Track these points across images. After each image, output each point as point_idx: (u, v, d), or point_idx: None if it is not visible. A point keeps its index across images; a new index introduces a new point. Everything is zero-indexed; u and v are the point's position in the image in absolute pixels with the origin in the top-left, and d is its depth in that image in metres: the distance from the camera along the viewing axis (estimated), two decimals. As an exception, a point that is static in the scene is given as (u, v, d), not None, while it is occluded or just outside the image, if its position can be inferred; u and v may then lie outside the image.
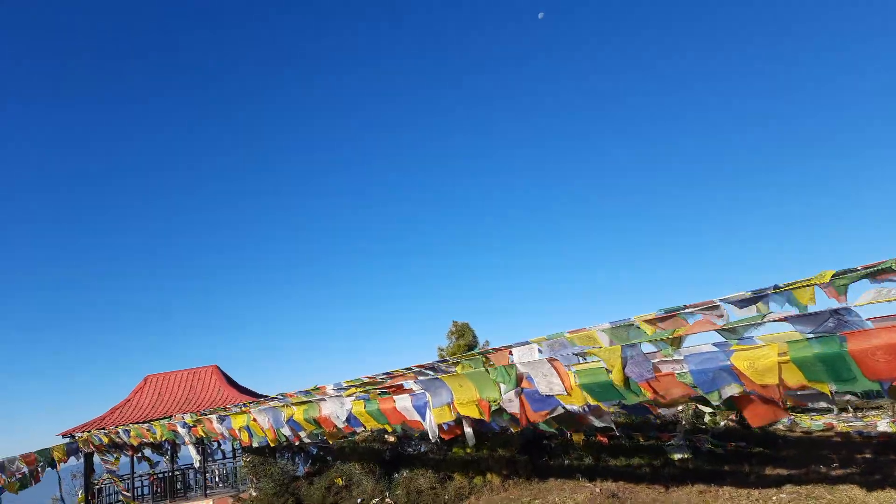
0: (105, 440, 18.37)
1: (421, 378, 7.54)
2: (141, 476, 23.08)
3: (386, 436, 19.22)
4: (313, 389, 9.88)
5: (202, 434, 12.97)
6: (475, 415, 6.75)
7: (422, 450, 19.61)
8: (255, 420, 10.66)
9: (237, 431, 11.54)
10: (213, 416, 12.20)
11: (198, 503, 20.12)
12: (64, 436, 21.01)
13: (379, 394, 8.30)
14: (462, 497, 15.54)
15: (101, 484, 22.08)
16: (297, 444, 18.64)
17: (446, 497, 15.58)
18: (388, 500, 16.39)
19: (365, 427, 8.68)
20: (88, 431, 20.04)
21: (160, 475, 22.21)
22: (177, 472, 22.74)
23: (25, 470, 18.60)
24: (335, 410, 8.76)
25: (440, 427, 10.98)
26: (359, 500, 16.91)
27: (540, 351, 7.13)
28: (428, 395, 7.20)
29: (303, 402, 9.61)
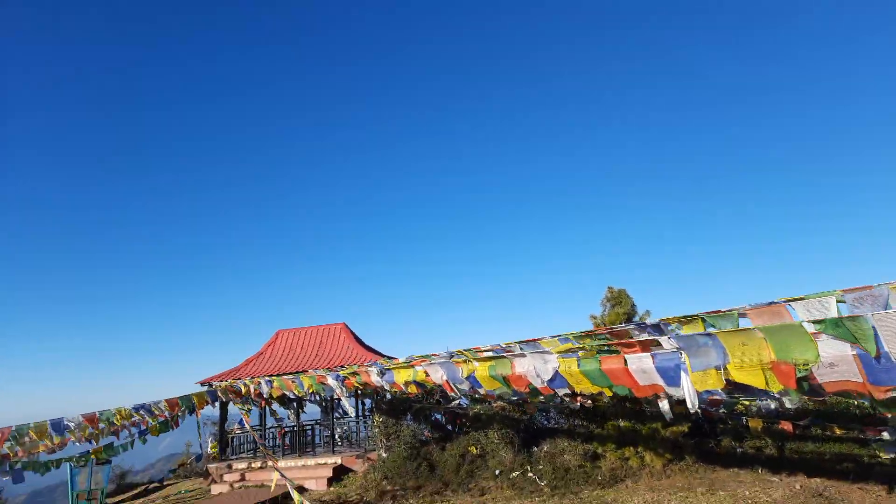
0: (244, 390, 18.51)
1: (677, 334, 6.16)
2: (270, 429, 23.51)
3: (526, 405, 18.12)
4: (506, 345, 8.80)
5: (357, 386, 12.34)
6: (758, 383, 5.29)
7: (560, 423, 18.38)
8: (426, 374, 9.77)
9: (402, 385, 10.73)
10: (373, 369, 11.48)
11: (325, 459, 20.02)
12: (202, 384, 21.58)
13: (599, 352, 7.02)
14: (617, 479, 14.14)
15: (235, 434, 22.63)
16: (439, 402, 17.90)
17: (599, 477, 14.24)
18: (530, 474, 15.30)
19: (573, 389, 7.46)
20: (226, 381, 20.38)
21: (289, 429, 22.45)
22: (306, 427, 22.93)
23: (167, 414, 19.15)
24: (535, 368, 7.60)
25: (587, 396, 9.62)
26: (497, 472, 15.95)
27: (841, 303, 5.54)
28: (684, 354, 5.83)
29: (489, 358, 8.56)
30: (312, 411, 26.69)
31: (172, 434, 21.64)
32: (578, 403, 16.23)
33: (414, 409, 19.11)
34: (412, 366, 10.47)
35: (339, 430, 23.94)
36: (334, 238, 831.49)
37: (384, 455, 18.50)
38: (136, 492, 22.37)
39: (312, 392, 14.58)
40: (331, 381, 13.36)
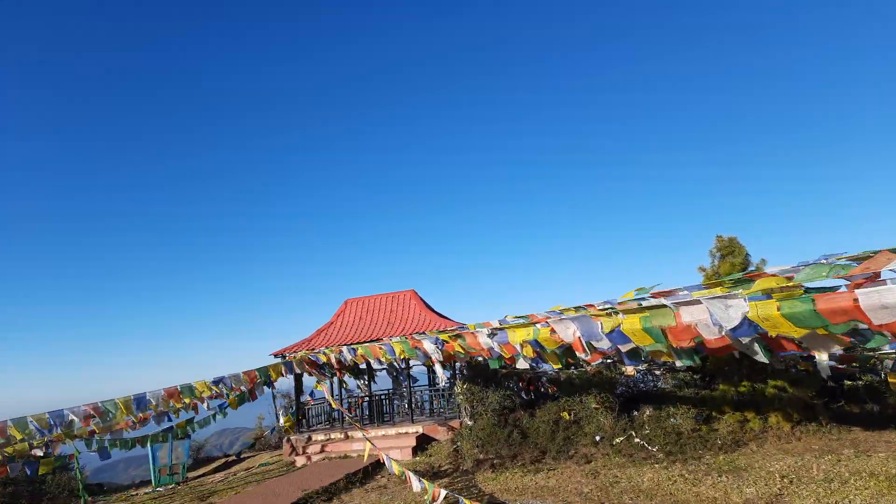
0: (323, 359, 17.91)
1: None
2: (344, 400, 23.08)
3: (623, 367, 17.02)
4: (660, 293, 7.65)
5: (459, 350, 11.43)
6: None
7: (660, 385, 17.24)
8: (553, 331, 8.75)
9: (517, 346, 9.75)
10: (483, 330, 10.54)
11: (406, 428, 19.40)
12: (275, 355, 21.15)
13: (808, 290, 5.84)
14: (738, 443, 12.97)
15: (310, 405, 22.24)
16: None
17: (718, 441, 13.09)
18: (636, 439, 14.25)
19: (767, 333, 6.30)
20: (302, 351, 19.84)
21: (367, 399, 21.93)
22: (382, 397, 22.39)
23: (244, 387, 18.73)
24: (711, 315, 6.47)
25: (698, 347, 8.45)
26: (597, 438, 14.96)
27: None
28: None
29: (640, 310, 7.46)
30: (382, 383, 26.21)
31: (244, 408, 21.34)
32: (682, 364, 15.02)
33: (500, 374, 18.23)
34: (533, 323, 9.44)
35: (406, 399, 23.35)
36: (397, 207, 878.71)
37: (469, 423, 17.73)
38: (215, 465, 22.29)
39: (403, 358, 13.77)
40: (427, 345, 12.48)
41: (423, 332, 13.95)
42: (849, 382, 14.22)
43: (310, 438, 20.09)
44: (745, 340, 6.59)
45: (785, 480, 9.86)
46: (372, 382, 24.91)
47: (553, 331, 8.85)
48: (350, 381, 25.22)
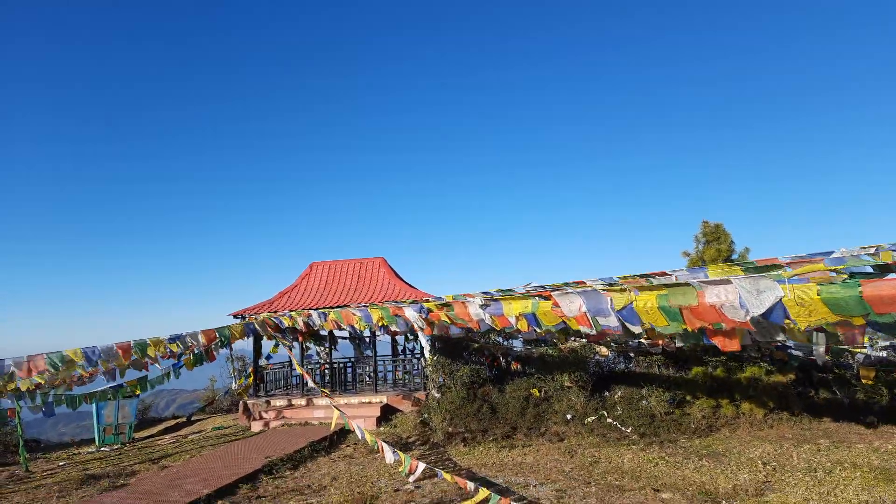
0: (288, 322, 17.16)
1: None
2: (304, 366, 22.36)
3: (598, 347, 16.94)
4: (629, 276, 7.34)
5: (444, 320, 10.95)
6: None
7: (632, 367, 17.27)
8: (556, 305, 8.35)
9: (511, 319, 9.34)
10: (473, 300, 10.06)
11: (369, 398, 18.93)
12: (234, 316, 20.25)
13: (853, 275, 5.58)
14: (711, 428, 13.06)
15: (269, 369, 21.46)
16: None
17: (692, 426, 13.15)
18: (608, 419, 14.21)
19: (793, 325, 6.05)
20: (265, 313, 19.01)
21: (329, 366, 21.31)
22: (344, 365, 21.81)
23: (200, 348, 17.85)
24: (741, 296, 6.17)
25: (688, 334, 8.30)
26: (568, 416, 14.87)
27: None
28: None
29: (658, 287, 7.11)
30: (342, 350, 25.61)
31: (197, 370, 20.38)
32: (660, 346, 15.04)
33: (471, 348, 17.91)
34: (534, 296, 9.02)
35: (368, 368, 22.88)
36: (362, 171, 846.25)
37: (437, 395, 17.40)
38: (163, 427, 21.32)
39: (382, 325, 13.21)
40: (409, 313, 11.95)
41: (405, 301, 13.39)
42: (820, 374, 14.54)
43: (268, 403, 19.38)
44: (777, 326, 6.32)
45: (768, 468, 9.89)
46: (333, 350, 24.29)
47: (556, 304, 8.46)
48: (310, 348, 24.50)
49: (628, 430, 13.36)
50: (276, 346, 23.28)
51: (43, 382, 15.61)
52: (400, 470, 11.26)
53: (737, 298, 6.33)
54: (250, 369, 25.53)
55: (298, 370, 16.94)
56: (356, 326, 14.28)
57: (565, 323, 8.83)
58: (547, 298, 8.85)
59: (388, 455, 12.01)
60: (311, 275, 22.02)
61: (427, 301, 11.59)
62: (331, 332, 24.26)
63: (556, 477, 10.17)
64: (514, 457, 12.11)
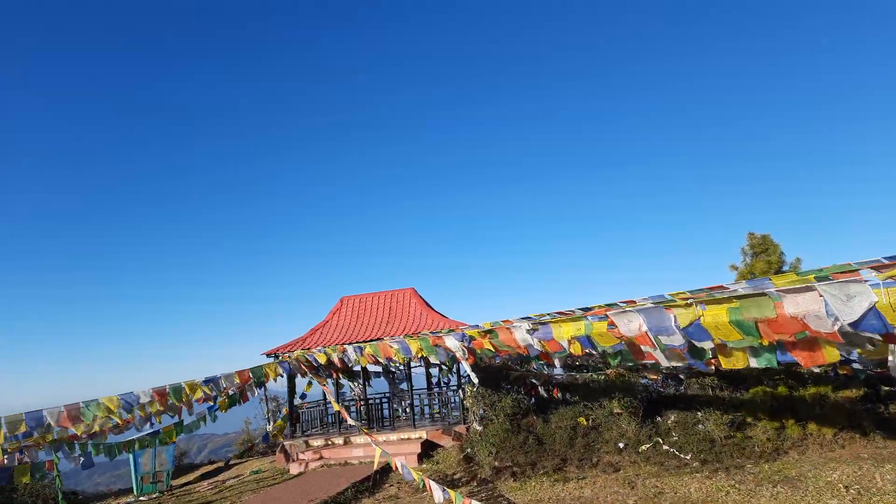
0: (322, 359, 16.79)
1: None
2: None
3: (645, 371, 16.24)
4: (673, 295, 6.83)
5: (488, 348, 10.47)
6: None
7: (682, 390, 16.49)
8: (613, 325, 7.85)
9: (563, 343, 8.84)
10: (520, 325, 9.60)
11: (408, 434, 18.36)
12: (268, 355, 19.94)
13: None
14: (778, 451, 12.25)
15: (304, 408, 21.04)
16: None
17: (756, 449, 12.35)
18: (664, 446, 13.45)
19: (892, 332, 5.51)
20: (298, 350, 18.68)
21: (364, 402, 20.83)
22: (378, 401, 21.32)
23: (234, 389, 17.55)
24: (828, 305, 5.64)
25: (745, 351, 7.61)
26: (620, 445, 14.13)
27: None
28: None
29: (727, 300, 6.60)
30: (375, 386, 25.10)
31: (231, 411, 20.00)
32: (713, 367, 14.32)
33: (511, 377, 17.32)
34: (581, 317, 8.53)
35: (405, 402, 22.33)
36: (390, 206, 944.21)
37: (478, 428, 16.77)
38: (199, 473, 20.93)
39: (422, 357, 12.76)
40: (451, 342, 11.49)
41: (443, 330, 12.95)
42: (886, 388, 13.67)
43: (306, 444, 18.91)
44: (866, 335, 5.76)
45: (851, 492, 9.13)
46: (367, 386, 23.81)
47: (612, 324, 7.96)
48: (343, 385, 24.06)
49: (688, 457, 12.61)
50: (310, 384, 22.89)
51: (79, 433, 15.39)
52: (451, 509, 10.69)
53: (822, 307, 5.81)
54: (284, 409, 25.21)
55: (336, 408, 16.48)
56: (394, 359, 13.85)
57: (623, 344, 8.32)
58: (601, 319, 8.37)
59: (437, 494, 11.43)
60: (341, 309, 21.72)
61: (468, 329, 11.13)
62: (364, 368, 23.82)
63: (620, 511, 9.51)
64: (570, 490, 11.44)
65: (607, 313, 8.03)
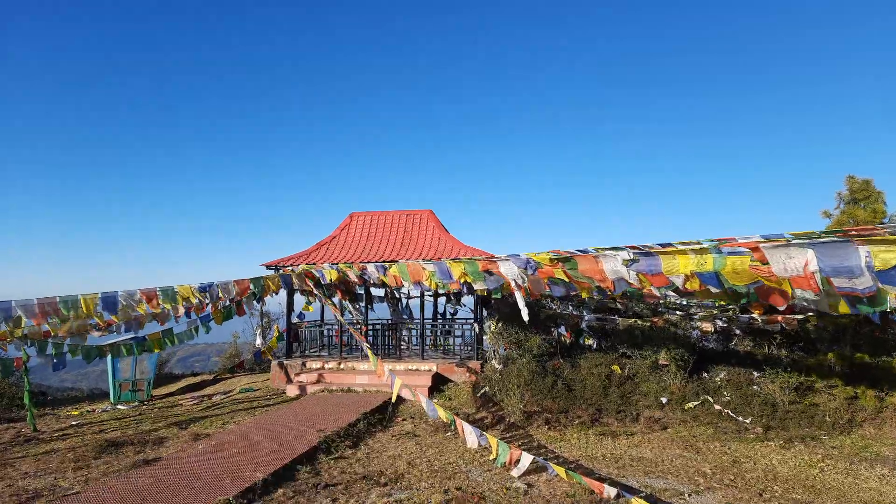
0: (333, 276, 14.99)
1: None
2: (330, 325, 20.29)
3: (700, 322, 14.76)
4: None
5: (562, 278, 8.73)
6: None
7: (732, 346, 15.10)
8: (762, 262, 6.13)
9: (675, 279, 7.12)
10: (616, 254, 7.85)
11: (417, 365, 16.89)
12: (267, 267, 18.08)
13: None
14: (851, 423, 10.94)
15: (304, 328, 19.42)
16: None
17: (825, 418, 11.03)
18: (716, 406, 12.10)
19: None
20: (300, 265, 16.85)
21: (375, 327, 19.29)
22: (383, 328, 19.76)
23: (232, 300, 15.76)
24: None
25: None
26: (663, 400, 12.78)
27: None
28: None
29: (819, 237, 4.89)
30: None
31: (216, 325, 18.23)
32: (780, 323, 12.86)
33: (543, 316, 15.76)
34: (720, 249, 6.75)
35: (415, 331, 20.84)
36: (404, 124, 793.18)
37: (497, 367, 15.33)
38: (183, 384, 19.39)
39: (466, 283, 11.00)
40: (507, 268, 9.71)
41: (502, 256, 11.15)
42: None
43: (303, 365, 17.36)
44: None
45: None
46: (370, 310, 22.22)
47: (763, 261, 6.20)
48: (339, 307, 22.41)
49: (747, 422, 11.26)
50: (309, 303, 21.20)
51: (54, 332, 13.54)
52: (492, 459, 9.21)
53: None
54: (275, 326, 23.60)
55: (351, 331, 14.79)
56: (425, 284, 12.10)
57: (762, 283, 6.60)
58: (735, 253, 6.59)
59: (471, 438, 9.94)
60: (351, 225, 19.78)
61: (534, 254, 9.32)
62: (367, 291, 22.16)
63: (702, 481, 8.08)
64: (624, 448, 10.03)
65: (759, 245, 6.25)
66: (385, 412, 13.45)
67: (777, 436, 10.45)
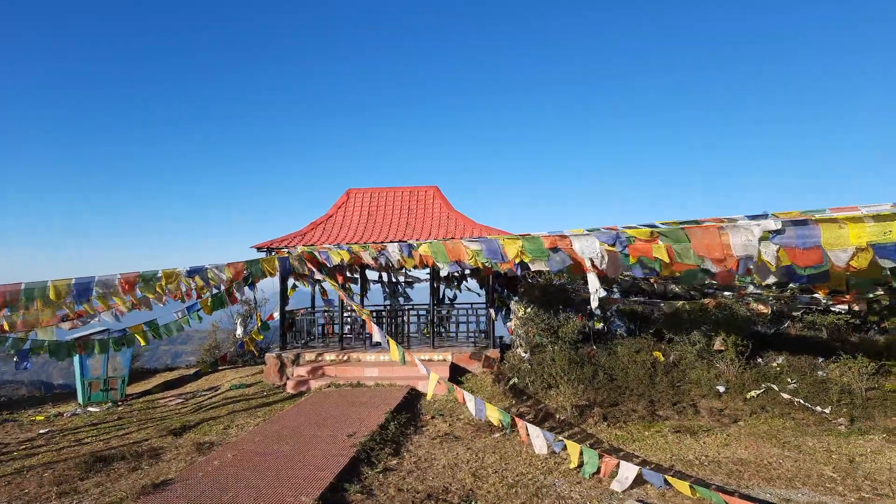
0: (343, 258, 13.24)
1: None
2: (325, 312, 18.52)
3: (755, 304, 13.64)
4: None
5: (660, 257, 7.28)
6: None
7: (782, 327, 14.06)
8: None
9: (839, 254, 5.79)
10: (749, 224, 6.46)
11: (429, 355, 15.36)
12: (258, 249, 16.14)
13: None
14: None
15: (301, 315, 17.57)
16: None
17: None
18: (783, 395, 11.02)
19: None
20: (301, 246, 15.02)
21: (381, 312, 17.59)
22: (381, 314, 18.10)
23: (225, 285, 13.89)
24: None
25: None
26: (720, 389, 11.64)
27: None
28: None
29: None
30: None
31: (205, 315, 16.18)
32: (847, 305, 11.86)
33: (579, 298, 14.40)
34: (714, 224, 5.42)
35: (421, 317, 19.25)
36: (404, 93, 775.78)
37: (524, 356, 13.94)
38: (160, 381, 17.27)
39: (521, 263, 9.44)
40: (583, 245, 8.20)
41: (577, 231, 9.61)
42: None
43: (300, 357, 15.58)
44: None
45: None
46: (364, 297, 20.51)
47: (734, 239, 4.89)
48: (330, 293, 20.58)
49: (826, 411, 10.19)
50: (294, 287, 19.30)
51: (7, 327, 11.37)
52: (572, 468, 7.80)
53: None
54: (257, 315, 21.58)
55: (364, 318, 13.04)
56: (467, 263, 10.52)
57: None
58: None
59: (539, 443, 8.52)
60: (348, 203, 17.94)
61: (628, 228, 7.85)
62: (363, 275, 20.43)
63: (842, 490, 6.86)
64: (714, 448, 8.77)
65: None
66: (412, 410, 11.91)
67: (871, 429, 9.40)
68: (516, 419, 9.00)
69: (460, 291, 21.35)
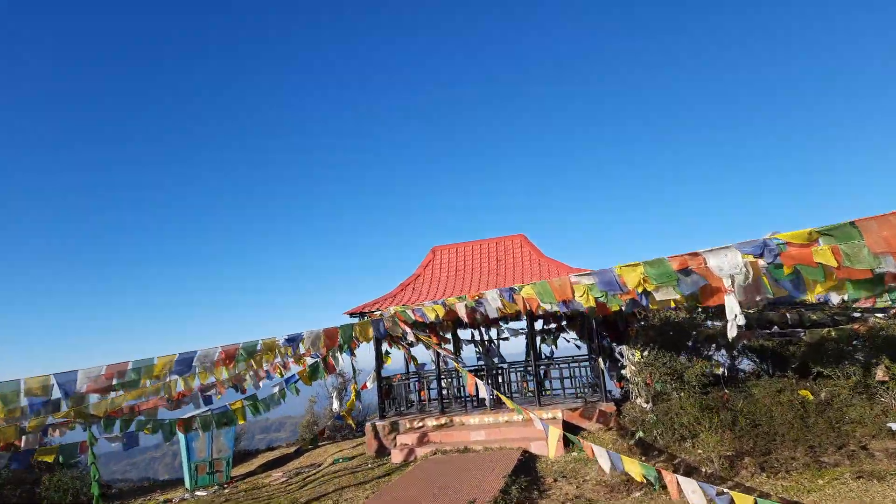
0: (440, 313, 12.63)
1: None
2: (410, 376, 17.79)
3: None
4: None
5: (818, 262, 6.19)
6: None
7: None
8: None
9: None
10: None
11: (538, 413, 14.16)
12: (351, 314, 15.84)
13: None
14: None
15: (397, 381, 16.98)
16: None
17: None
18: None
19: None
20: (394, 307, 14.57)
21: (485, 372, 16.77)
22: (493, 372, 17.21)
23: (318, 353, 13.58)
24: None
25: None
26: (893, 427, 9.86)
27: None
28: None
29: None
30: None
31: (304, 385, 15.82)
32: None
33: (702, 335, 13.05)
34: None
35: (517, 376, 18.20)
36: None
37: (645, 406, 12.59)
38: (261, 461, 16.92)
39: (644, 293, 8.50)
40: (721, 262, 7.19)
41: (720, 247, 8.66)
42: None
43: (398, 425, 14.82)
44: None
45: None
46: (458, 356, 19.70)
47: None
48: (421, 357, 19.89)
49: None
50: (388, 354, 18.79)
51: (119, 406, 11.35)
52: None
53: None
54: (352, 386, 21.12)
55: (468, 377, 12.22)
56: (576, 302, 9.63)
57: None
58: None
59: (698, 499, 7.25)
60: (434, 261, 17.56)
61: (779, 234, 6.84)
62: (454, 333, 19.71)
63: None
64: (914, 496, 7.19)
65: None
66: (531, 473, 10.79)
67: None
68: (664, 472, 7.78)
69: (556, 348, 20.25)
